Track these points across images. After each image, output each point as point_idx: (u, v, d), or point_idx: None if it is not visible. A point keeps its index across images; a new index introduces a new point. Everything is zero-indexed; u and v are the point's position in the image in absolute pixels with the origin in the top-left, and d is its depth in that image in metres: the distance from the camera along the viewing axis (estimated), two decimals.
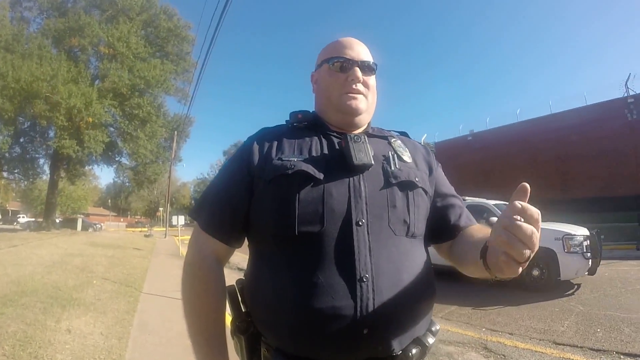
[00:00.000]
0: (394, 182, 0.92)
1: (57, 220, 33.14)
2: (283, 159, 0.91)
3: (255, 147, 0.97)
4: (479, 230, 0.94)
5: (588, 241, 6.82)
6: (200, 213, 0.98)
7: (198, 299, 0.92)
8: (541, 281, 6.81)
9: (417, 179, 0.96)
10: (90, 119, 21.76)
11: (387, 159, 0.96)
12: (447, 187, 1.07)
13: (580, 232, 6.99)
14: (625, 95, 18.72)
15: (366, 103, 1.02)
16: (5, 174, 28.75)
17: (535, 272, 6.89)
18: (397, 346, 0.81)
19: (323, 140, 0.98)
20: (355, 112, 0.99)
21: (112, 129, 26.83)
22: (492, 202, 8.29)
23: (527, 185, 0.65)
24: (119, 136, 27.07)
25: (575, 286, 6.95)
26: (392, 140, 1.04)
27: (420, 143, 1.15)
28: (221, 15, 8.76)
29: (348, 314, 0.77)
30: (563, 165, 19.40)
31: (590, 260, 6.68)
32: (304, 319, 0.79)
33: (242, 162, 0.96)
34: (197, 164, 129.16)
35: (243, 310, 0.93)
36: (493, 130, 23.56)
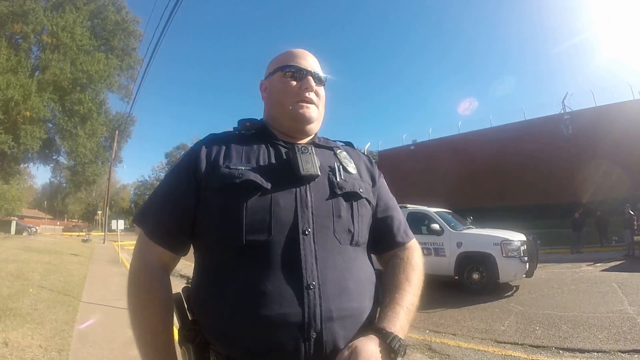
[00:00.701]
0: (339, 192, 0.96)
1: None
2: (231, 167, 0.92)
3: (203, 153, 0.97)
4: (395, 284, 0.96)
5: (525, 246, 7.30)
6: (146, 220, 0.97)
7: (145, 308, 0.90)
8: (481, 284, 7.19)
9: (361, 190, 1.00)
10: (28, 113, 20.35)
11: (332, 170, 0.99)
12: (388, 199, 1.12)
13: (517, 237, 7.46)
14: (562, 112, 20.36)
15: (317, 112, 1.05)
16: None
17: (475, 276, 7.28)
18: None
19: (271, 149, 1.00)
20: (307, 121, 1.02)
21: (50, 125, 25.24)
22: (433, 209, 8.63)
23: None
24: (58, 133, 25.47)
25: (514, 288, 7.37)
26: (338, 152, 1.08)
27: (364, 153, 1.21)
28: (171, 13, 8.53)
29: (296, 320, 0.80)
30: (501, 175, 20.63)
31: (527, 263, 7.15)
32: (253, 326, 0.80)
33: (188, 168, 0.96)
34: (138, 166, 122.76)
35: (190, 318, 0.92)
36: (435, 141, 24.75)
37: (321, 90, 1.08)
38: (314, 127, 1.07)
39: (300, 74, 1.03)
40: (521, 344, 4.45)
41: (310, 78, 1.03)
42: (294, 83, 1.03)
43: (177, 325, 0.93)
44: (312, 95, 1.03)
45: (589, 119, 18.87)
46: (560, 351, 4.18)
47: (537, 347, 4.35)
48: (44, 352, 3.93)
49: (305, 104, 1.02)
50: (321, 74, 1.07)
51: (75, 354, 3.96)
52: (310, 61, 1.07)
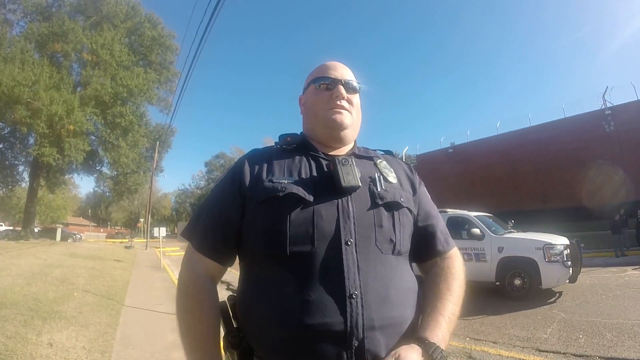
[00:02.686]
0: (380, 202, 0.96)
1: (36, 230, 32.17)
2: (274, 180, 0.95)
3: (246, 168, 1.01)
4: (437, 293, 0.96)
5: (568, 250, 6.99)
6: (193, 233, 1.01)
7: (193, 318, 0.94)
8: (523, 290, 6.95)
9: (402, 199, 1.00)
10: (72, 127, 21.34)
11: (373, 180, 1.00)
12: (429, 207, 1.11)
13: (560, 241, 7.16)
14: (603, 107, 19.32)
15: (351, 119, 1.07)
16: None
17: (517, 282, 7.03)
18: None
19: (312, 162, 1.02)
20: (340, 127, 1.04)
21: (93, 137, 26.31)
22: (473, 213, 8.43)
23: None
24: (100, 145, 26.54)
25: (557, 294, 7.09)
26: (378, 162, 1.08)
27: (403, 157, 1.20)
28: (207, 28, 8.74)
29: (339, 329, 0.81)
30: (542, 177, 19.83)
31: (570, 268, 6.84)
32: (296, 335, 0.82)
33: (233, 183, 1.00)
34: (178, 175, 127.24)
35: (234, 325, 0.95)
36: (474, 143, 24.01)
37: (355, 98, 1.09)
38: (349, 134, 1.08)
39: (331, 84, 1.06)
40: (564, 353, 4.28)
41: (341, 87, 1.06)
42: (326, 93, 1.06)
43: (223, 331, 0.96)
44: (343, 103, 1.05)
45: (632, 114, 17.80)
46: None
47: (580, 356, 4.17)
48: (87, 353, 4.11)
49: (336, 110, 1.04)
50: (354, 82, 1.09)
51: (117, 356, 4.11)
52: (341, 71, 1.09)
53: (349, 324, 0.81)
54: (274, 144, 1.12)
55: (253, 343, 0.88)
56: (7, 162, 26.36)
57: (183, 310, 0.95)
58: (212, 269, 0.99)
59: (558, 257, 6.79)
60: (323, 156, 1.03)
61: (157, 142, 28.39)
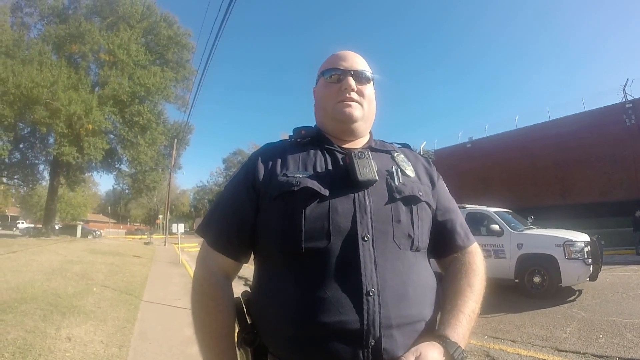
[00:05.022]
0: (398, 197, 0.93)
1: (57, 227, 33.09)
2: (288, 175, 0.92)
3: (260, 162, 0.98)
4: (457, 290, 0.93)
5: (589, 247, 6.83)
6: (208, 230, 1.00)
7: (208, 315, 0.93)
8: (542, 288, 6.82)
9: (420, 193, 0.97)
10: (90, 126, 21.77)
11: (390, 173, 0.97)
12: (448, 201, 1.08)
13: (580, 238, 7.00)
14: (624, 100, 18.77)
15: (362, 111, 1.02)
16: (4, 180, 28.74)
17: (537, 279, 6.90)
18: None
19: (327, 156, 0.99)
20: (349, 119, 1.00)
21: (112, 135, 26.83)
22: (492, 209, 8.30)
23: None
24: (119, 143, 27.08)
25: (577, 292, 6.95)
26: (395, 155, 1.05)
27: (421, 153, 1.16)
28: (221, 25, 8.80)
29: (355, 327, 0.78)
30: (562, 172, 19.37)
31: (591, 266, 6.69)
32: (311, 333, 0.80)
33: (247, 178, 0.98)
34: (196, 172, 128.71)
35: (249, 322, 0.94)
36: (492, 137, 23.54)
37: (367, 89, 1.04)
38: (361, 127, 1.04)
39: (341, 75, 1.02)
40: (583, 353, 4.18)
41: (350, 78, 1.01)
42: (335, 85, 1.02)
43: (237, 328, 0.96)
44: (353, 95, 1.01)
45: None
46: None
47: (601, 356, 4.07)
48: (105, 347, 4.18)
49: (345, 102, 1.00)
50: (366, 72, 1.04)
51: (135, 350, 4.17)
52: (351, 61, 1.05)
53: (365, 322, 0.79)
54: (288, 138, 1.09)
55: (267, 340, 0.87)
56: (27, 162, 27.06)
57: (198, 308, 0.94)
58: (227, 266, 0.97)
59: (578, 255, 6.65)
60: (338, 149, 1.00)
61: (175, 140, 28.74)
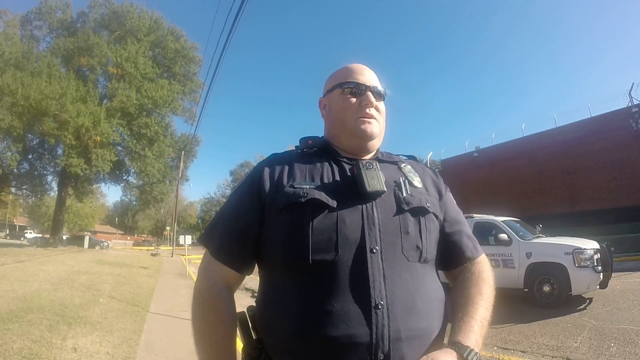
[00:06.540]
0: (406, 208, 0.92)
1: (64, 237, 33.23)
2: (295, 186, 0.91)
3: (266, 173, 0.97)
4: (468, 298, 0.92)
5: (598, 254, 6.74)
6: (210, 240, 0.98)
7: (208, 327, 0.91)
8: (552, 297, 6.72)
9: (428, 205, 0.96)
10: (98, 138, 22.03)
11: (398, 185, 0.96)
12: (456, 212, 1.07)
13: (590, 245, 6.90)
14: (630, 104, 18.63)
15: (379, 127, 1.03)
16: (13, 190, 29.08)
17: (546, 288, 6.81)
18: None
19: (334, 166, 0.98)
20: (369, 137, 1.00)
21: (119, 147, 27.06)
22: (500, 218, 8.23)
23: None
24: (127, 155, 27.27)
25: (587, 301, 6.83)
26: (402, 166, 1.05)
27: (427, 164, 1.16)
28: (227, 39, 8.90)
29: (364, 341, 0.77)
30: (569, 179, 19.23)
31: (601, 273, 6.58)
32: (318, 347, 0.79)
33: (252, 188, 0.97)
34: (204, 183, 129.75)
35: (254, 337, 0.92)
36: (499, 146, 23.46)
37: (381, 105, 1.05)
38: (376, 143, 1.05)
39: (360, 89, 1.02)
40: None
41: (370, 94, 1.01)
42: (354, 100, 1.02)
43: (242, 343, 0.94)
44: (372, 111, 1.01)
45: None
46: None
47: None
48: (111, 358, 4.17)
49: (366, 119, 1.00)
50: (380, 88, 1.05)
51: None
52: (368, 76, 1.05)
53: (374, 335, 0.77)
54: (294, 148, 1.09)
55: (273, 355, 0.85)
56: (36, 172, 27.33)
57: (199, 319, 0.93)
58: (229, 277, 0.95)
59: (588, 262, 6.54)
60: (346, 160, 1.00)
61: (183, 152, 28.95)
